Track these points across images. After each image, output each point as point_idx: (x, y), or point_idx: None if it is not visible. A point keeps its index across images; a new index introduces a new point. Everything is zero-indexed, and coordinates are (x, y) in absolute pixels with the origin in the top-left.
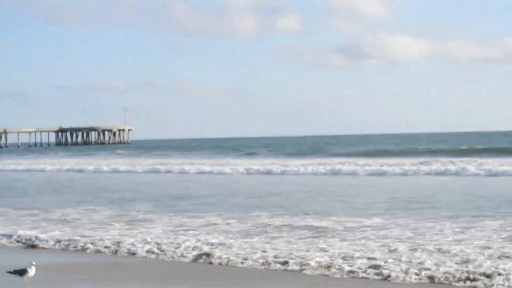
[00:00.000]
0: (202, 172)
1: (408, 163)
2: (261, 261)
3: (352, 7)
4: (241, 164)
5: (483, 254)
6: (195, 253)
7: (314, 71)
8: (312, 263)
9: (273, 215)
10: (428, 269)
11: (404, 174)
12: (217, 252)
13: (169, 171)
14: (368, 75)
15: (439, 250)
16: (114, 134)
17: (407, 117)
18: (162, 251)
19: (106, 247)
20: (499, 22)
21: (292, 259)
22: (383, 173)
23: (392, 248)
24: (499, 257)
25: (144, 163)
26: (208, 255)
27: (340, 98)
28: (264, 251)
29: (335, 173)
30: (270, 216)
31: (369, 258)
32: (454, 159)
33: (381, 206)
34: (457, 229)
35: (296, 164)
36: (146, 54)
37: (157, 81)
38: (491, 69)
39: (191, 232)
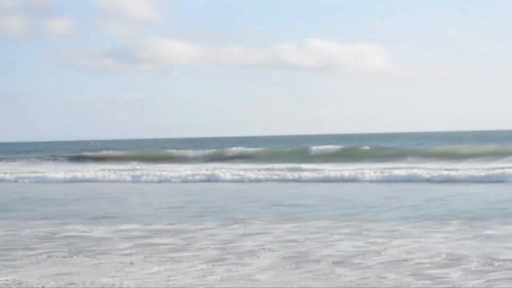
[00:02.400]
0: None
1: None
2: None
3: (124, 10)
4: None
5: None
6: None
7: (87, 74)
8: None
9: None
10: None
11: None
12: None
13: None
14: (141, 78)
15: None
16: None
17: (181, 120)
18: None
19: None
20: (271, 29)
21: None
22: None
23: None
24: None
25: None
26: None
27: (114, 101)
28: None
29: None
30: None
31: None
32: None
33: None
34: None
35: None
36: None
37: None
38: (264, 74)
39: None
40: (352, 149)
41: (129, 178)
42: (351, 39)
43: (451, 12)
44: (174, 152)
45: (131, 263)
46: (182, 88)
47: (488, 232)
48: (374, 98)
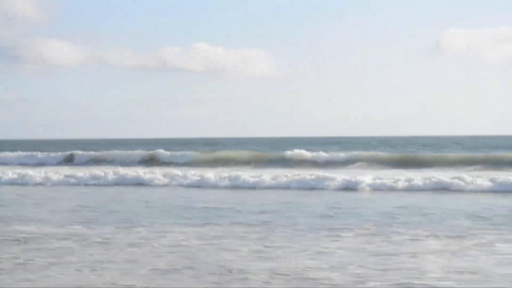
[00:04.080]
0: None
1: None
2: None
3: (8, 10)
4: None
5: None
6: None
7: None
8: None
9: None
10: None
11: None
12: None
13: None
14: (25, 78)
15: None
16: None
17: (65, 121)
18: None
19: None
20: (158, 32)
21: None
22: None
23: None
24: None
25: None
26: None
27: None
28: None
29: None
30: None
31: None
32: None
33: None
34: None
35: None
36: None
37: None
38: (150, 76)
39: None
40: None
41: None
42: (236, 44)
43: (330, 19)
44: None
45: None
46: (67, 89)
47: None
48: (258, 102)
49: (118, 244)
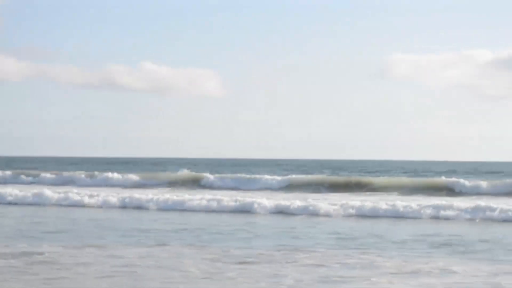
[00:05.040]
0: None
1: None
2: None
3: None
4: None
5: None
6: None
7: None
8: None
9: None
10: None
11: None
12: None
13: None
14: None
15: None
16: None
17: (6, 137)
18: None
19: None
20: (104, 50)
21: None
22: None
23: None
24: None
25: None
26: None
27: None
28: None
29: None
30: None
31: None
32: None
33: None
34: None
35: None
36: None
37: None
38: (95, 93)
39: None
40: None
41: None
42: (183, 64)
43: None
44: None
45: None
46: (9, 105)
47: None
48: (203, 120)
49: None
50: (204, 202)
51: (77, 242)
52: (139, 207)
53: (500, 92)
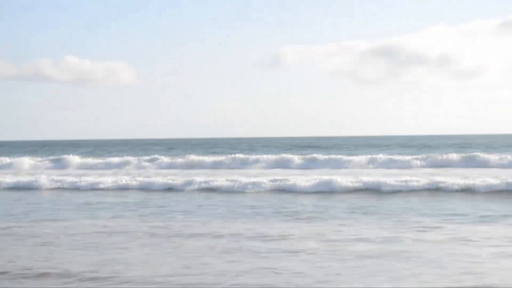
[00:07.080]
0: None
1: None
2: None
3: None
4: None
5: None
6: None
7: None
8: None
9: None
10: None
11: None
12: None
13: None
14: None
15: None
16: None
17: None
18: None
19: None
20: (30, 44)
21: None
22: None
23: None
24: None
25: None
26: None
27: None
28: None
29: None
30: None
31: None
32: None
33: None
34: None
35: None
36: None
37: None
38: (22, 86)
39: None
40: None
41: None
42: (102, 57)
43: (187, 34)
44: None
45: None
46: None
47: None
48: (121, 108)
49: None
50: None
51: None
52: None
53: (375, 76)
